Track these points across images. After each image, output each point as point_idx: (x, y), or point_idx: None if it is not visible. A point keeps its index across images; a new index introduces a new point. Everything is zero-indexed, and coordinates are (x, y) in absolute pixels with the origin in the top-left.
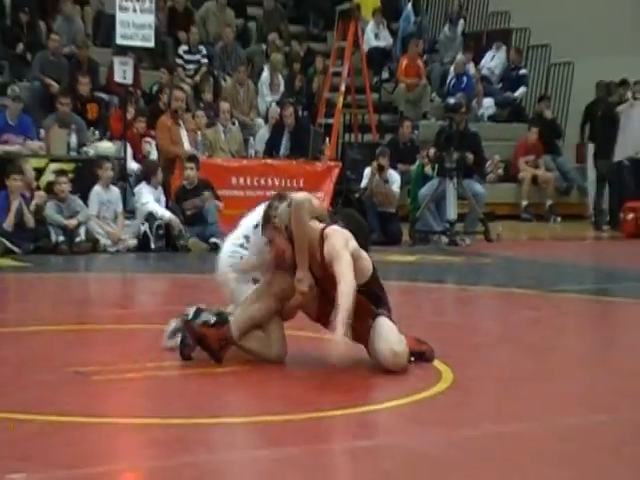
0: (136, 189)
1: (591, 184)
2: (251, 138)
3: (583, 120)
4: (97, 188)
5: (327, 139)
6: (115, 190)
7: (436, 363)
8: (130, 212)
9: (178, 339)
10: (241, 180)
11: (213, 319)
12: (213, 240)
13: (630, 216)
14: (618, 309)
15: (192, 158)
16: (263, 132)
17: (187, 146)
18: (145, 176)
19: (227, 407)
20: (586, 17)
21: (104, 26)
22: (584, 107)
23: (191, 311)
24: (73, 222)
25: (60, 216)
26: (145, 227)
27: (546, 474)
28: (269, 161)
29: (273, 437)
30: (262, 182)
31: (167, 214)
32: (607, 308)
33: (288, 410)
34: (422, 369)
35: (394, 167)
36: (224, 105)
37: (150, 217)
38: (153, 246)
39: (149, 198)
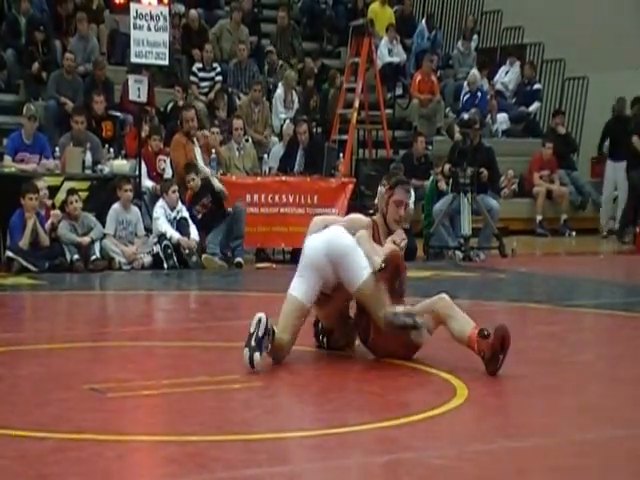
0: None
1: (607, 199)
2: (265, 155)
3: (603, 135)
4: (116, 207)
5: (341, 155)
6: (135, 211)
7: (451, 378)
8: (147, 230)
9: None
10: (255, 197)
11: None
12: (238, 260)
13: None
14: (634, 324)
15: (190, 167)
16: (277, 149)
17: (201, 164)
18: (159, 194)
19: (243, 424)
20: (600, 31)
21: (119, 44)
22: (602, 122)
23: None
24: (86, 239)
25: (74, 234)
26: (158, 247)
27: None
28: (283, 178)
29: (290, 454)
30: (276, 199)
31: (176, 235)
32: (622, 323)
33: (304, 426)
34: (437, 385)
35: None
36: (237, 123)
37: (161, 237)
38: (165, 265)
39: (161, 215)
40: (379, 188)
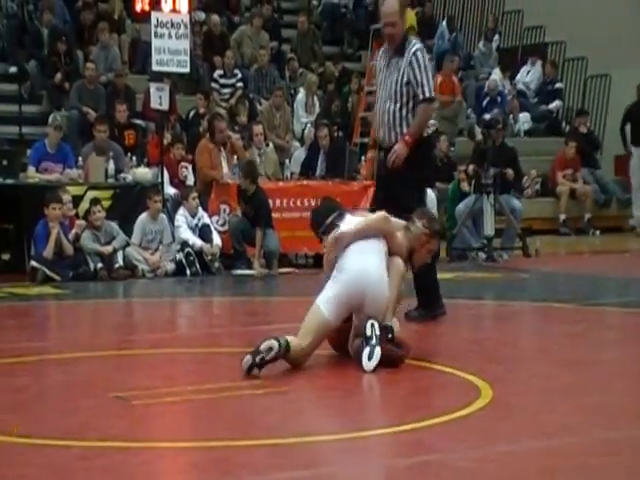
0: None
1: (636, 187)
2: (287, 160)
3: (624, 119)
4: (143, 217)
5: (363, 158)
6: (164, 221)
7: (474, 379)
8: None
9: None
10: (277, 202)
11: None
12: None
13: None
14: None
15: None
16: (299, 153)
17: (226, 170)
18: (181, 201)
19: (268, 428)
20: (621, 28)
21: (140, 53)
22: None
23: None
24: (109, 249)
25: (96, 244)
26: (180, 255)
27: None
28: (305, 182)
29: (315, 457)
30: (299, 203)
31: (198, 242)
32: None
33: (328, 430)
34: (460, 386)
35: (431, 185)
36: (257, 128)
37: (183, 244)
38: (188, 272)
39: (182, 223)
40: (416, 221)
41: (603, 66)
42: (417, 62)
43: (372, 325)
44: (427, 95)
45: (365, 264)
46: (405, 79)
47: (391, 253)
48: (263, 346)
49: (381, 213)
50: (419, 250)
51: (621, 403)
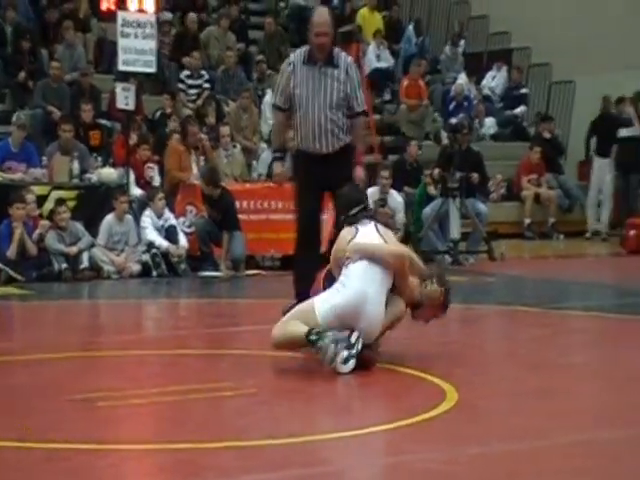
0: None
1: (592, 199)
2: (254, 162)
3: (589, 133)
4: (110, 219)
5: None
6: (130, 222)
7: (440, 382)
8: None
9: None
10: (244, 204)
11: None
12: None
13: (632, 232)
14: (623, 325)
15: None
16: (266, 155)
17: (196, 172)
18: (147, 202)
19: (235, 431)
20: (585, 35)
21: (106, 52)
22: (588, 126)
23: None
24: (74, 249)
25: (61, 245)
26: (146, 256)
27: None
28: (272, 184)
29: (282, 460)
30: (266, 205)
31: (164, 243)
32: (612, 325)
33: (295, 432)
34: (426, 389)
35: (399, 189)
36: (224, 129)
37: (149, 245)
38: (154, 273)
39: (148, 224)
40: (435, 282)
41: (567, 73)
42: (355, 74)
43: (358, 338)
44: (363, 108)
45: (365, 288)
46: (347, 89)
47: (397, 292)
48: (352, 337)
49: (406, 251)
50: (426, 308)
51: (587, 406)
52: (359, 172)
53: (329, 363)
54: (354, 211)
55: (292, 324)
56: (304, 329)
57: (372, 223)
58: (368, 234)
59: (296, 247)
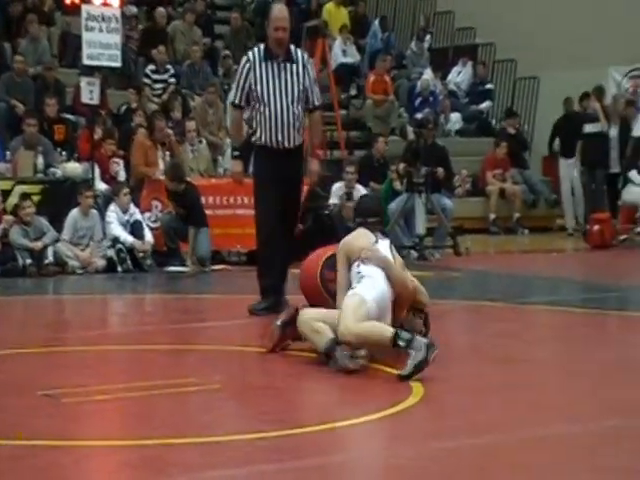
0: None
1: (566, 197)
2: (220, 157)
3: (552, 134)
4: (74, 213)
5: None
6: (95, 217)
7: None
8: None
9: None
10: (210, 199)
11: None
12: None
13: (596, 227)
14: (587, 320)
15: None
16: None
17: (162, 167)
18: (112, 197)
19: (200, 426)
20: (550, 32)
21: (70, 46)
22: (553, 121)
23: None
24: (39, 245)
25: (26, 240)
26: (111, 251)
27: None
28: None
29: (247, 456)
30: (232, 200)
31: (129, 239)
32: (576, 319)
33: (261, 428)
34: (393, 384)
35: (365, 185)
36: (190, 124)
37: (114, 241)
38: (119, 269)
39: (113, 219)
40: (413, 318)
41: (531, 69)
42: (311, 69)
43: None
44: (321, 102)
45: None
46: (306, 83)
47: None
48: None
49: (416, 286)
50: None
51: (551, 400)
52: (314, 165)
53: (421, 368)
54: (371, 220)
55: (374, 325)
56: (389, 333)
57: (388, 241)
58: (384, 250)
59: (258, 242)
